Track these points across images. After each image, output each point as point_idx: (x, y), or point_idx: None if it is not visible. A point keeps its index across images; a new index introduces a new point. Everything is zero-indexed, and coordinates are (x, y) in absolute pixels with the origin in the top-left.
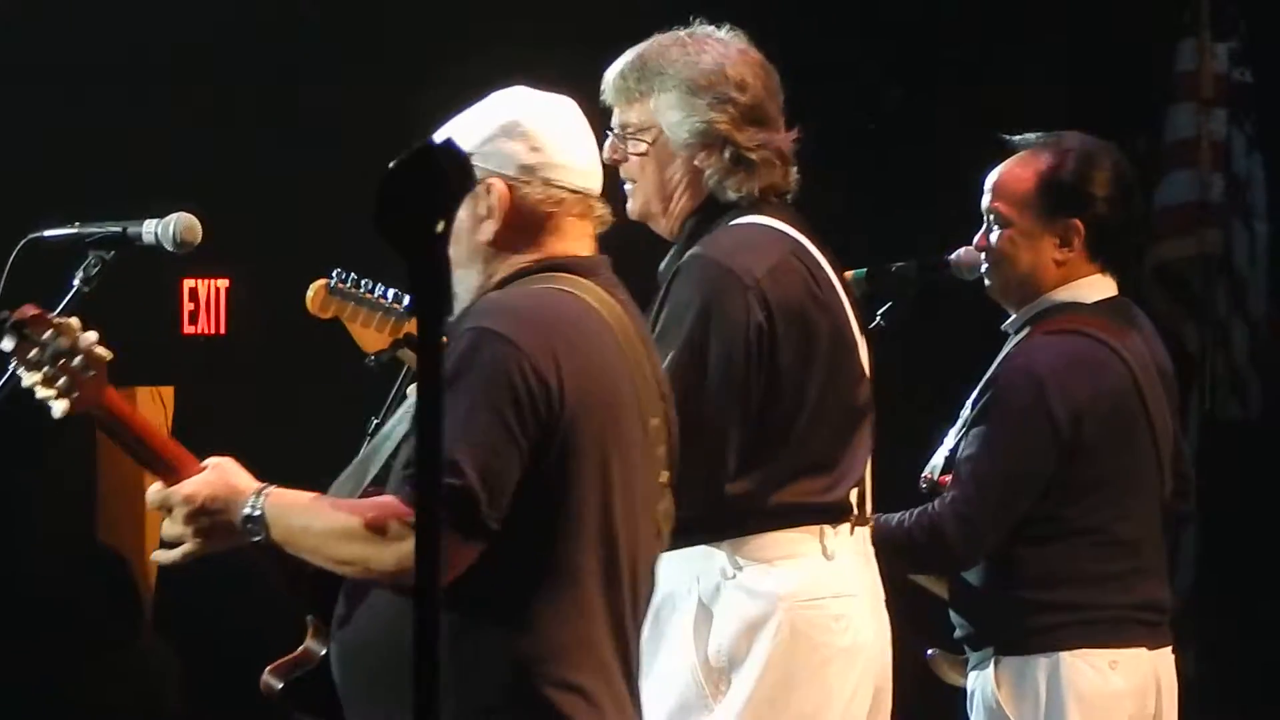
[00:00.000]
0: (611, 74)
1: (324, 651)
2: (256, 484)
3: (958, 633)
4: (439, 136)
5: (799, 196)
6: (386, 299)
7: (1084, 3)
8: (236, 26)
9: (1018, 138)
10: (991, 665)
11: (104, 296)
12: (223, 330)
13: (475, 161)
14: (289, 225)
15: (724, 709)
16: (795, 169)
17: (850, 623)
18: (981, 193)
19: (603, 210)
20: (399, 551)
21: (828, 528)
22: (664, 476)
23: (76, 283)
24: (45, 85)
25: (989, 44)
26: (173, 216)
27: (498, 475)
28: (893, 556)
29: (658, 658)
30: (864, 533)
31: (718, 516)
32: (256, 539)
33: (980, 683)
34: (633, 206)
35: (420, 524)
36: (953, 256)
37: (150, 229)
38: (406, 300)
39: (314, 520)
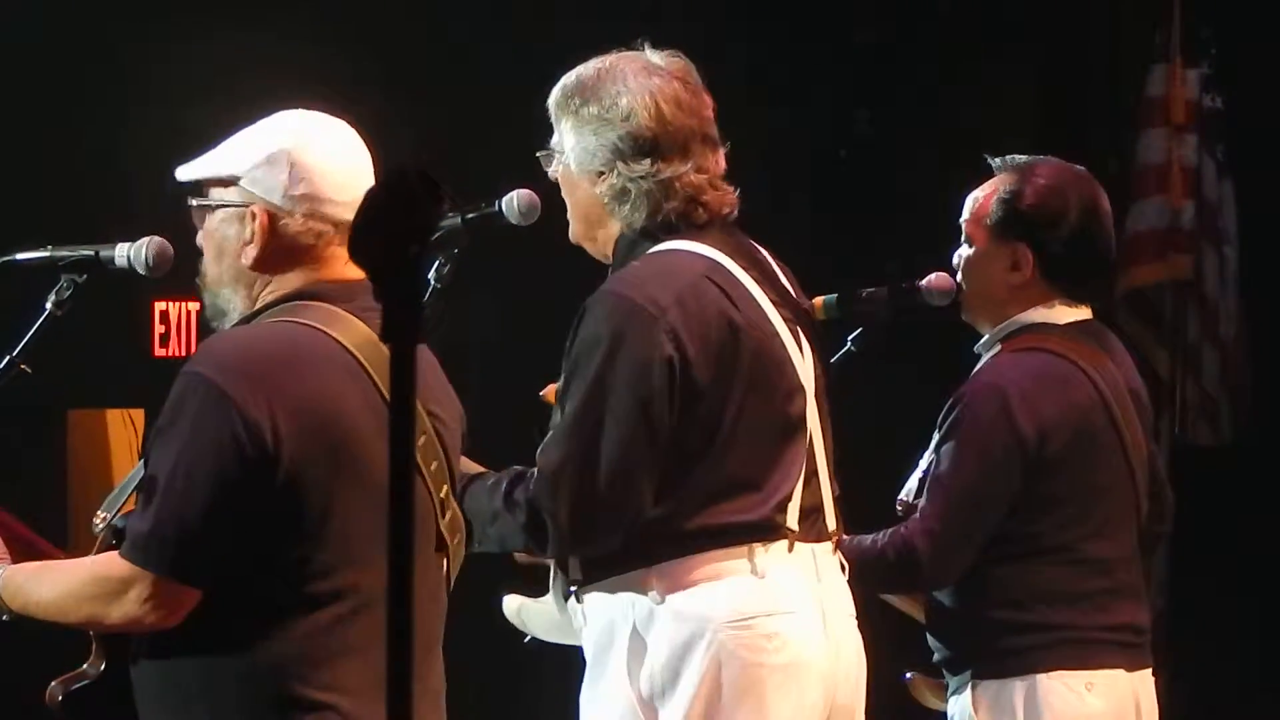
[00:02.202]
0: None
1: (102, 667)
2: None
3: (936, 656)
4: (209, 153)
5: (767, 219)
6: None
7: (1055, 27)
8: (209, 51)
9: (998, 159)
10: (969, 689)
11: (75, 319)
12: (194, 352)
13: (243, 185)
14: None
15: None
16: (718, 195)
17: (785, 640)
18: (949, 217)
19: None
20: (122, 609)
21: (758, 546)
22: (443, 490)
23: (49, 306)
24: (16, 106)
25: (958, 68)
26: (144, 240)
27: (194, 527)
28: (868, 577)
29: (598, 692)
30: (815, 549)
31: (642, 544)
32: (4, 617)
33: (959, 707)
34: (570, 231)
35: (393, 536)
36: (924, 282)
37: (123, 252)
38: None
39: (43, 593)
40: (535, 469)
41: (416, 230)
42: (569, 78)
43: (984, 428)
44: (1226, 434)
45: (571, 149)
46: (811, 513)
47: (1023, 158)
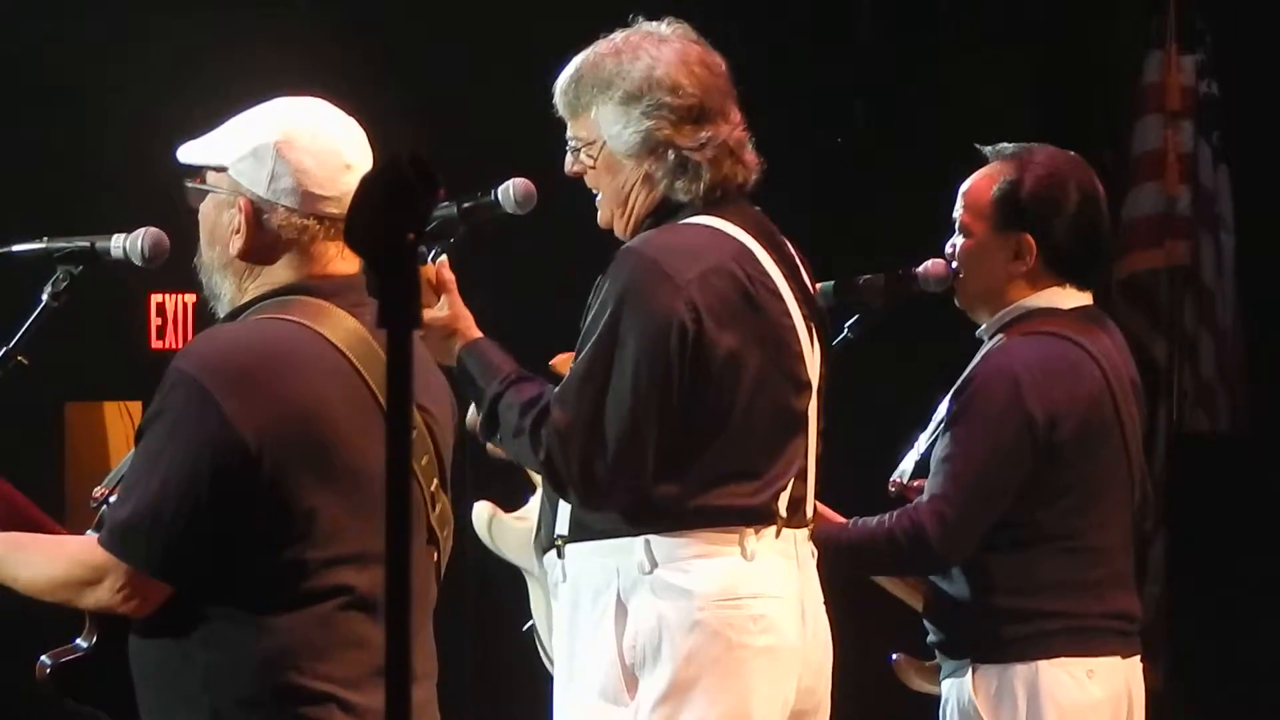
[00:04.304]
0: (556, 89)
1: (94, 641)
2: None
3: (930, 638)
4: (207, 137)
5: (763, 207)
6: None
7: (1050, 16)
8: (201, 42)
9: (990, 148)
10: (969, 673)
11: (72, 311)
12: (182, 349)
13: (230, 175)
14: None
15: (638, 704)
16: (754, 157)
17: (770, 623)
18: (946, 205)
19: None
20: (95, 596)
21: (749, 530)
22: (433, 484)
23: (45, 297)
24: (9, 98)
25: (953, 58)
26: (140, 231)
27: (169, 525)
28: (872, 559)
29: (577, 650)
30: (796, 536)
31: (638, 514)
32: None
33: (956, 691)
34: (601, 217)
35: (390, 525)
36: (920, 269)
37: (118, 244)
38: None
39: (21, 571)
40: (550, 407)
41: (412, 218)
42: (582, 67)
43: (996, 410)
44: (1223, 422)
45: (617, 135)
46: (798, 501)
47: (1012, 146)
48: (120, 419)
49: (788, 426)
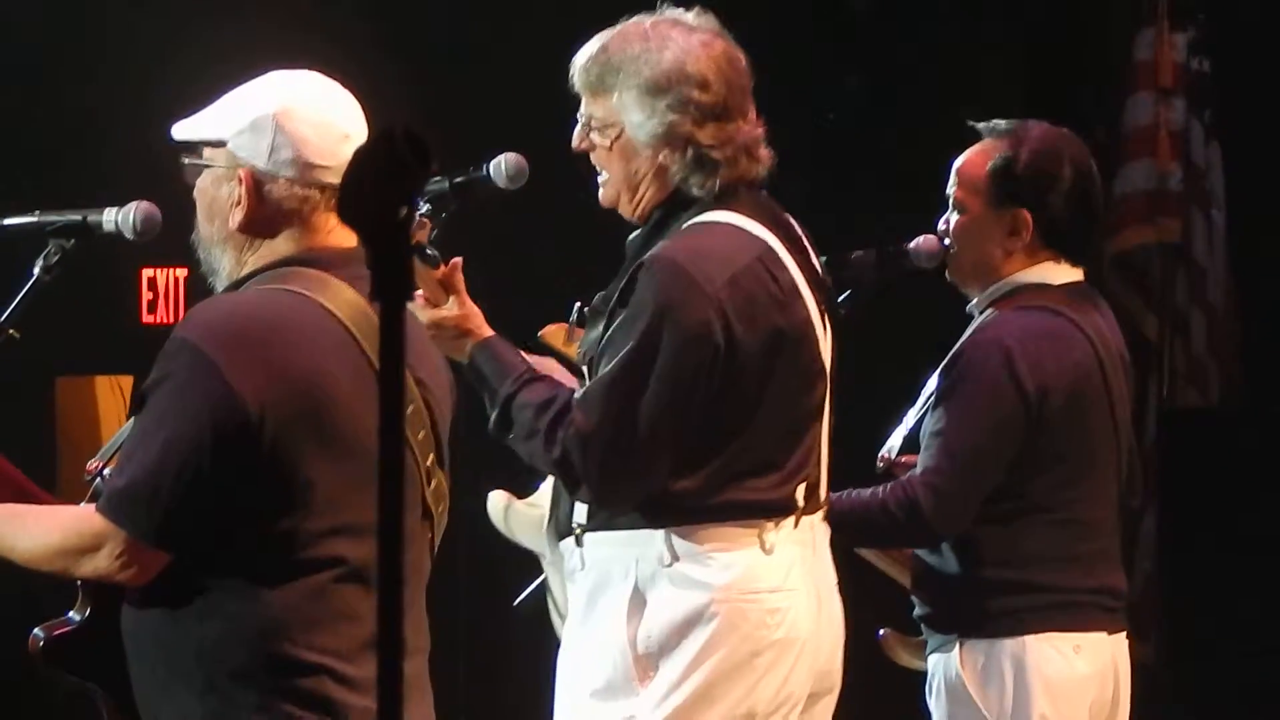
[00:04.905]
0: (577, 64)
1: (87, 614)
2: None
3: (917, 613)
4: (202, 113)
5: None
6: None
7: None
8: (197, 15)
9: (984, 125)
10: (956, 648)
11: (63, 285)
12: (183, 318)
13: (230, 148)
14: None
15: (649, 694)
16: (767, 153)
17: (786, 616)
18: (938, 181)
19: None
20: (93, 564)
21: (768, 523)
22: (429, 459)
23: (37, 271)
24: (3, 72)
25: (946, 33)
26: (132, 205)
27: (169, 492)
28: (864, 531)
29: (587, 636)
30: (811, 521)
31: (657, 507)
32: None
33: (943, 665)
34: (603, 195)
35: (382, 498)
36: (912, 244)
37: (110, 217)
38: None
39: (18, 540)
40: (572, 409)
41: (404, 192)
42: (609, 47)
43: (987, 382)
44: (1214, 397)
45: (639, 124)
46: (814, 486)
47: (1006, 123)
48: (111, 393)
49: (807, 417)
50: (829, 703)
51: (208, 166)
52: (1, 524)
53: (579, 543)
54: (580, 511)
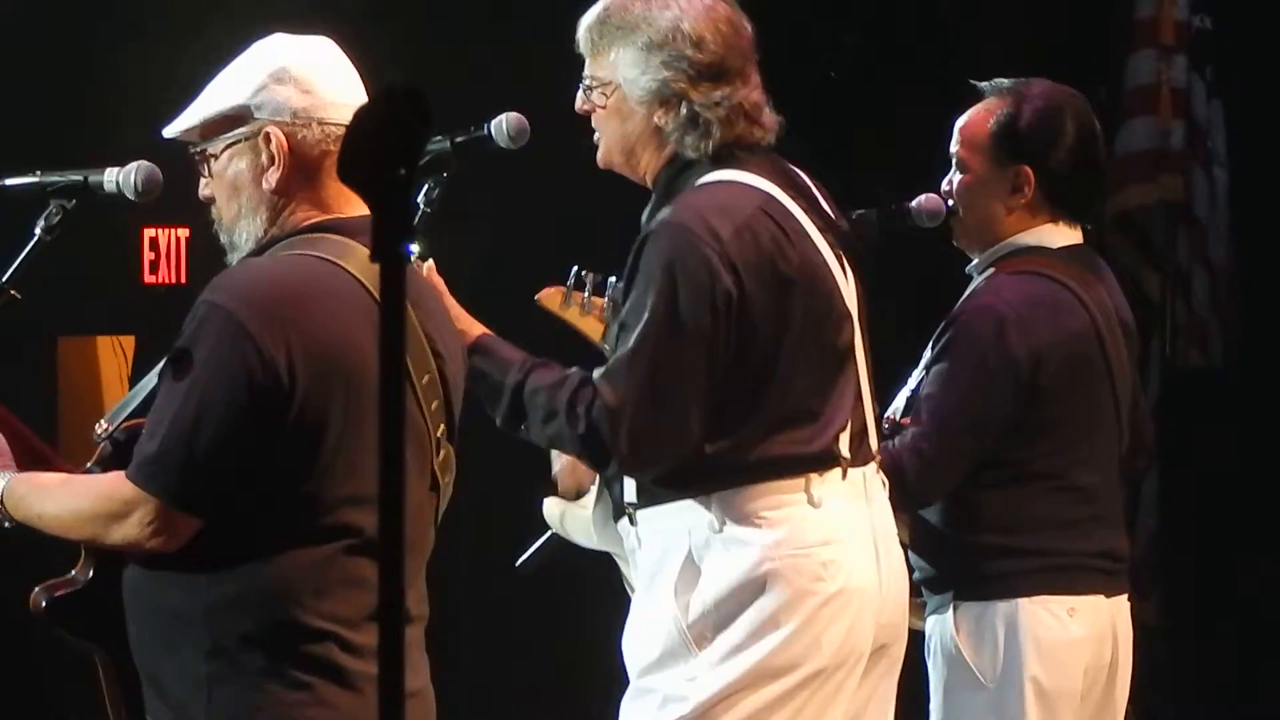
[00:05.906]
0: (581, 26)
1: (90, 574)
2: (3, 473)
3: (916, 575)
4: (198, 100)
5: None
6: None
7: None
8: None
9: (986, 84)
10: (950, 610)
11: (65, 245)
12: (183, 280)
13: (252, 111)
14: None
15: (707, 657)
16: (771, 119)
17: (839, 568)
18: (940, 141)
19: None
20: (123, 531)
21: (814, 476)
22: (440, 430)
23: (38, 232)
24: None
25: None
26: (134, 165)
27: (201, 457)
28: None
29: (648, 609)
30: (863, 473)
31: (702, 472)
32: (6, 525)
33: (939, 627)
34: (600, 157)
35: (384, 477)
36: (914, 203)
37: (111, 177)
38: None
39: (48, 507)
40: (596, 385)
41: (404, 152)
42: (610, 7)
43: (978, 350)
44: (1216, 356)
45: (634, 80)
46: (859, 436)
47: (1008, 81)
48: (113, 353)
49: (835, 362)
50: (897, 653)
51: (231, 144)
52: (29, 492)
53: (633, 522)
54: (630, 490)
